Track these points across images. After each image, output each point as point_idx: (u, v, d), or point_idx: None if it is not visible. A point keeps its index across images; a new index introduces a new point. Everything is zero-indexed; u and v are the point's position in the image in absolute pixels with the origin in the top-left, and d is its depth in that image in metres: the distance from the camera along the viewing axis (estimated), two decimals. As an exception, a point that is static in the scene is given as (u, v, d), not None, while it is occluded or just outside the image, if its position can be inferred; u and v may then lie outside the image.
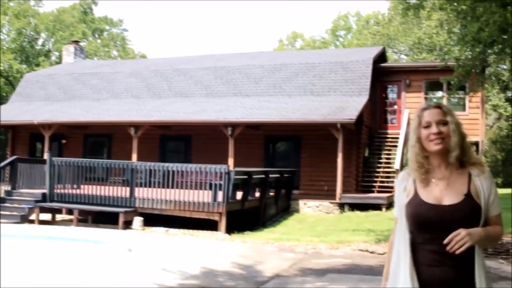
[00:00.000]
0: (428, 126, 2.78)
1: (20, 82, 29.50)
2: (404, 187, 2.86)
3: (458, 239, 2.55)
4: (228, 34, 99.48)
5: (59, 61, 42.10)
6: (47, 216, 16.29)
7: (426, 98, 23.35)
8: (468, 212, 2.65)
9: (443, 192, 2.72)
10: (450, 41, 27.21)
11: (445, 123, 2.76)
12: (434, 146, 2.74)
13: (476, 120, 22.27)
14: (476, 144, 23.54)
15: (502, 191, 29.90)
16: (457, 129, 2.76)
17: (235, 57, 26.10)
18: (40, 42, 48.54)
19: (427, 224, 2.69)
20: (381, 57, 23.68)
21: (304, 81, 21.97)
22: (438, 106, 2.83)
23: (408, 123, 21.28)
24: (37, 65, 44.41)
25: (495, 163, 41.67)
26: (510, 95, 35.44)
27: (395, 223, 2.91)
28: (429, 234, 2.68)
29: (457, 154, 2.72)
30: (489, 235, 2.69)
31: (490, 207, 2.73)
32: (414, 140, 2.83)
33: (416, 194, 2.78)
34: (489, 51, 15.60)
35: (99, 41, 53.61)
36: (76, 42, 32.86)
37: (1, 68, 40.10)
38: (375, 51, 23.70)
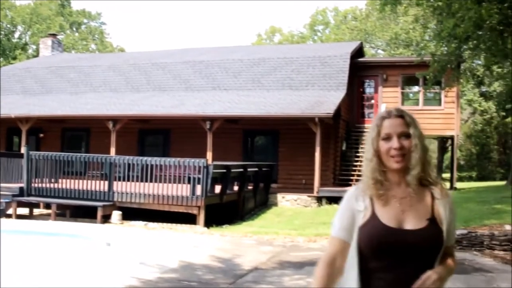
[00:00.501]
0: (388, 138, 2.43)
1: (-4, 75, 29.12)
2: (361, 205, 2.46)
3: (429, 284, 2.31)
4: (207, 29, 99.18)
5: (36, 54, 41.66)
6: (24, 211, 16.19)
7: (402, 93, 23.62)
8: (432, 239, 2.36)
9: (405, 214, 2.40)
10: (426, 37, 27.50)
11: (407, 135, 2.42)
12: (394, 164, 2.40)
13: (451, 114, 22.57)
14: (452, 138, 23.89)
15: (476, 184, 30.42)
16: (420, 143, 2.44)
17: (214, 51, 26.10)
18: (16, 35, 47.98)
19: (386, 250, 2.34)
20: (358, 52, 23.86)
21: (282, 76, 22.06)
22: (401, 116, 2.47)
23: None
24: (14, 58, 43.90)
25: (469, 157, 42.29)
26: (484, 90, 35.94)
27: (331, 243, 2.53)
28: (386, 261, 2.35)
29: (417, 173, 2.41)
30: (450, 274, 2.50)
31: (450, 236, 2.46)
32: (371, 153, 2.48)
33: (373, 215, 2.42)
34: (464, 46, 15.83)
35: (76, 34, 53.15)
36: (54, 35, 32.54)
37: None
38: (352, 46, 23.88)
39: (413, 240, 2.33)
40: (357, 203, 2.47)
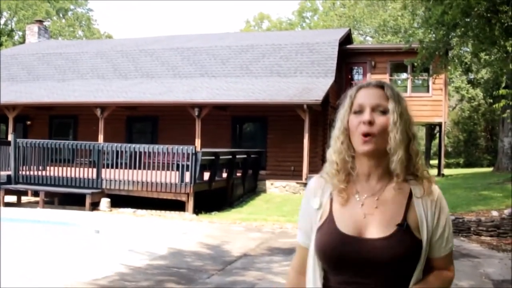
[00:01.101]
0: (360, 111, 1.90)
1: (-18, 62, 28.86)
2: (317, 201, 1.98)
3: None
4: (195, 15, 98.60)
5: (22, 41, 41.31)
6: (12, 198, 16.13)
7: (391, 80, 23.67)
8: (398, 251, 1.80)
9: (368, 219, 1.86)
10: (415, 24, 27.53)
11: (384, 111, 1.87)
12: (361, 145, 1.86)
13: (439, 101, 22.70)
14: (439, 125, 24.02)
15: (464, 171, 30.66)
16: (402, 122, 1.87)
17: (202, 38, 26.00)
18: (2, 21, 47.44)
19: (342, 264, 1.86)
20: (347, 39, 23.86)
21: (271, 62, 22.04)
22: (380, 86, 1.94)
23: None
24: (0, 45, 43.46)
25: (457, 143, 42.56)
26: (472, 77, 36.11)
27: (296, 250, 2.13)
28: (346, 276, 1.87)
29: (399, 161, 1.85)
30: None
31: (436, 245, 1.91)
32: (339, 130, 1.95)
33: (330, 217, 1.92)
34: (452, 33, 15.88)
35: (63, 21, 52.64)
36: (40, 21, 32.23)
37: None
38: (341, 33, 23.86)
39: (371, 253, 1.81)
40: (314, 198, 1.99)
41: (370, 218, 1.87)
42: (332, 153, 1.96)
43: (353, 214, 1.89)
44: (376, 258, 1.81)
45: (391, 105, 1.88)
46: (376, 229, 1.84)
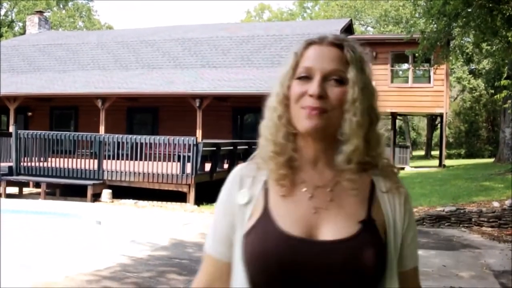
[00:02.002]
0: (306, 77, 1.38)
1: (-18, 53, 28.83)
2: (245, 194, 1.43)
3: None
4: (195, 6, 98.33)
5: (22, 32, 41.21)
6: (14, 190, 16.13)
7: (392, 70, 23.63)
8: (369, 256, 1.32)
9: (320, 215, 1.37)
10: (416, 14, 27.44)
11: (341, 80, 1.36)
12: (303, 120, 1.36)
13: (440, 92, 22.66)
14: (441, 115, 24.00)
15: (465, 161, 30.66)
16: (364, 99, 1.37)
17: (203, 29, 25.93)
18: (2, 12, 47.34)
19: (286, 276, 1.32)
20: (348, 29, 23.83)
21: (271, 53, 22.00)
22: (339, 44, 1.40)
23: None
24: (0, 36, 43.38)
25: (458, 134, 42.52)
26: (473, 67, 36.03)
27: (203, 264, 1.52)
28: None
29: (354, 150, 1.36)
30: None
31: (408, 252, 1.46)
32: (277, 98, 1.43)
33: (265, 214, 1.38)
34: (454, 24, 15.81)
35: (64, 11, 52.53)
36: (40, 12, 32.18)
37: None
38: (342, 23, 23.84)
39: (328, 259, 1.31)
40: (239, 191, 1.45)
41: (323, 213, 1.37)
42: (267, 130, 1.44)
43: (300, 208, 1.38)
44: (334, 267, 1.31)
45: (351, 73, 1.37)
46: (332, 228, 1.34)
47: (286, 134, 1.40)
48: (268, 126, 1.44)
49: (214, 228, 1.50)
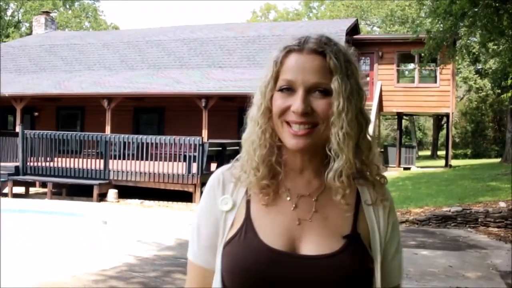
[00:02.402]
0: (288, 89, 1.31)
1: (-11, 53, 28.92)
2: (228, 201, 1.38)
3: None
4: (201, 6, 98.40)
5: (29, 32, 41.34)
6: (20, 190, 16.19)
7: (398, 70, 23.59)
8: (353, 273, 1.28)
9: (303, 227, 1.32)
10: (422, 14, 27.39)
11: (325, 91, 1.29)
12: (290, 139, 1.30)
13: (447, 92, 22.61)
14: (447, 115, 23.93)
15: (471, 162, 30.56)
16: (351, 108, 1.29)
17: (208, 29, 25.92)
18: (9, 12, 47.51)
19: None
20: (354, 29, 23.77)
21: (277, 53, 21.98)
22: (321, 52, 1.31)
23: (381, 95, 21.54)
24: (7, 36, 43.53)
25: (464, 134, 42.39)
26: (480, 67, 35.91)
27: (188, 271, 1.45)
28: None
29: (343, 166, 1.29)
30: None
31: (389, 267, 1.39)
32: (258, 110, 1.37)
33: (247, 224, 1.33)
34: (460, 23, 15.76)
35: (70, 12, 52.65)
36: (47, 12, 32.26)
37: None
38: (348, 23, 23.77)
39: (312, 276, 1.26)
40: (222, 196, 1.39)
41: (307, 226, 1.31)
42: (250, 144, 1.37)
43: (283, 220, 1.32)
44: (316, 283, 1.26)
45: (335, 84, 1.28)
46: (316, 242, 1.29)
47: (270, 148, 1.34)
48: (251, 140, 1.37)
49: (198, 235, 1.41)
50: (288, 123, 1.29)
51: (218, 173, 1.44)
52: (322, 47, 1.31)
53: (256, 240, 1.30)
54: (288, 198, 1.34)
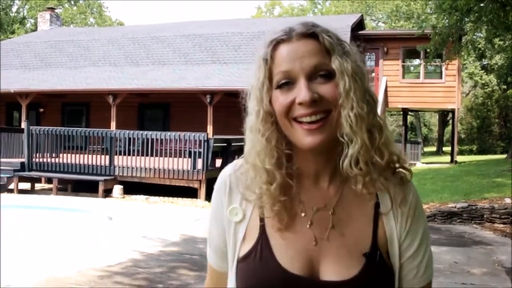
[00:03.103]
0: (288, 83, 1.18)
1: (-5, 50, 28.98)
2: (238, 211, 1.28)
3: None
4: (206, 1, 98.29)
5: (34, 28, 41.41)
6: (26, 185, 16.24)
7: (403, 66, 23.52)
8: None
9: (321, 246, 1.21)
10: (428, 9, 27.28)
11: (328, 73, 1.17)
12: (304, 137, 1.16)
13: (452, 87, 22.54)
14: (452, 111, 23.85)
15: (477, 158, 30.49)
16: (358, 87, 1.17)
17: (213, 25, 25.91)
18: (14, 9, 47.58)
19: None
20: (359, 24, 23.70)
21: (282, 49, 21.94)
22: (312, 34, 1.20)
23: (386, 91, 21.48)
24: (12, 32, 43.62)
25: (470, 130, 42.31)
26: (485, 63, 35.78)
27: (209, 270, 1.42)
28: None
29: (359, 151, 1.16)
30: None
31: (406, 269, 1.26)
32: (257, 117, 1.25)
33: (263, 242, 1.23)
34: (466, 19, 15.71)
35: (75, 8, 52.70)
36: (52, 9, 32.30)
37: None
38: (353, 18, 23.70)
39: None
40: (230, 207, 1.29)
41: (324, 246, 1.20)
42: (256, 157, 1.24)
43: (299, 239, 1.21)
44: None
45: (336, 62, 1.16)
46: (335, 264, 1.19)
47: (278, 158, 1.20)
48: (256, 152, 1.24)
49: (209, 237, 1.36)
50: (297, 120, 1.17)
51: (225, 176, 1.34)
52: (311, 29, 1.20)
53: (273, 262, 1.20)
54: (303, 214, 1.23)
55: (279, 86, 1.19)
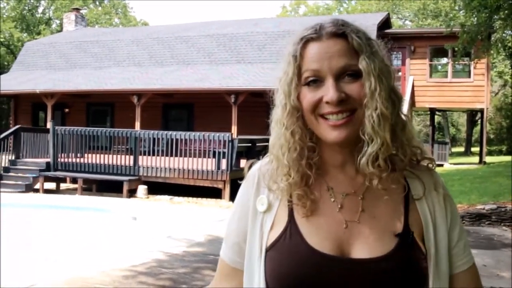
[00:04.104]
0: (316, 81, 1.22)
1: (21, 51, 29.33)
2: (263, 200, 1.31)
3: None
4: (231, 1, 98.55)
5: (60, 29, 41.83)
6: (51, 185, 16.36)
7: (431, 65, 23.22)
8: (408, 275, 1.19)
9: (351, 229, 1.22)
10: (456, 7, 26.93)
11: (355, 74, 1.20)
12: (331, 132, 1.20)
13: (481, 87, 22.20)
14: (481, 111, 23.50)
15: (506, 158, 29.99)
16: (383, 87, 1.20)
17: (238, 24, 25.86)
18: (40, 10, 48.17)
19: None
20: (385, 23, 23.45)
21: (307, 48, 21.82)
22: (342, 34, 1.22)
23: (413, 90, 21.21)
24: (38, 33, 44.13)
25: (499, 130, 41.71)
26: (515, 61, 35.24)
27: (218, 266, 1.43)
28: None
29: (379, 149, 1.19)
30: None
31: (455, 251, 1.29)
32: (284, 111, 1.29)
33: (292, 226, 1.25)
34: (495, 16, 15.46)
35: (100, 8, 53.16)
36: (77, 9, 32.59)
37: (2, 36, 39.85)
38: (379, 17, 23.45)
39: (364, 280, 1.18)
40: (256, 194, 1.33)
41: (355, 228, 1.22)
42: (279, 149, 1.29)
43: (329, 223, 1.23)
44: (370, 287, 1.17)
45: (363, 63, 1.19)
46: (366, 244, 1.20)
47: (301, 151, 1.26)
48: (279, 144, 1.30)
49: (227, 232, 1.39)
50: (323, 116, 1.21)
51: (254, 170, 1.39)
52: (341, 29, 1.23)
53: (303, 243, 1.21)
54: (333, 199, 1.26)
55: (308, 83, 1.23)
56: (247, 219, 1.32)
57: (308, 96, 1.22)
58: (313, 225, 1.24)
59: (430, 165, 1.30)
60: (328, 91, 1.18)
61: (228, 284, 1.37)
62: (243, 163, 15.34)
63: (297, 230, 1.23)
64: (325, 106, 1.20)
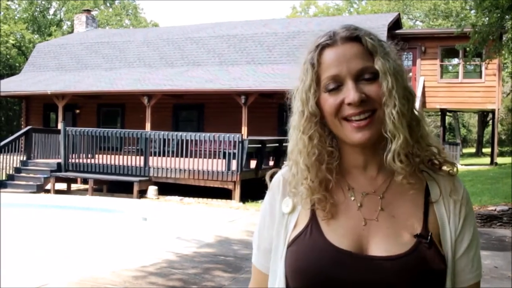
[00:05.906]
0: (336, 86, 1.25)
1: (32, 52, 29.49)
2: (288, 203, 1.35)
3: None
4: (240, 2, 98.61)
5: (71, 30, 42.00)
6: (62, 186, 16.43)
7: (441, 65, 23.11)
8: (425, 275, 1.21)
9: (370, 228, 1.26)
10: (467, 7, 26.78)
11: (372, 75, 1.24)
12: (355, 134, 1.23)
13: (492, 87, 22.08)
14: (492, 112, 23.35)
15: (517, 159, 29.79)
16: (399, 86, 1.25)
17: (247, 25, 25.85)
18: (51, 11, 48.41)
19: None
20: (396, 23, 23.37)
21: (317, 49, 21.77)
22: (356, 37, 1.28)
23: (424, 91, 21.12)
24: (49, 34, 44.36)
25: (511, 131, 41.41)
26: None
27: (252, 273, 1.47)
28: None
29: (402, 145, 1.23)
30: None
31: (461, 265, 1.29)
32: (302, 117, 1.32)
33: (312, 224, 1.29)
34: (507, 16, 15.35)
35: (110, 10, 53.35)
36: (88, 11, 32.74)
37: (13, 38, 40.09)
38: (389, 17, 23.38)
39: (380, 278, 1.20)
40: (282, 198, 1.37)
41: (374, 226, 1.25)
42: (298, 154, 1.32)
43: (348, 220, 1.27)
44: (385, 286, 1.19)
45: (379, 64, 1.24)
46: (384, 242, 1.23)
47: (319, 155, 1.30)
48: (298, 150, 1.33)
49: (258, 239, 1.43)
50: (346, 119, 1.25)
51: (279, 175, 1.43)
52: (354, 33, 1.28)
53: (321, 239, 1.26)
54: (353, 198, 1.30)
55: (329, 90, 1.27)
56: (275, 223, 1.37)
57: (330, 100, 1.26)
58: (334, 223, 1.28)
59: (451, 171, 1.32)
60: (349, 93, 1.23)
61: None
62: (253, 164, 15.35)
63: (318, 227, 1.28)
64: (347, 108, 1.24)
